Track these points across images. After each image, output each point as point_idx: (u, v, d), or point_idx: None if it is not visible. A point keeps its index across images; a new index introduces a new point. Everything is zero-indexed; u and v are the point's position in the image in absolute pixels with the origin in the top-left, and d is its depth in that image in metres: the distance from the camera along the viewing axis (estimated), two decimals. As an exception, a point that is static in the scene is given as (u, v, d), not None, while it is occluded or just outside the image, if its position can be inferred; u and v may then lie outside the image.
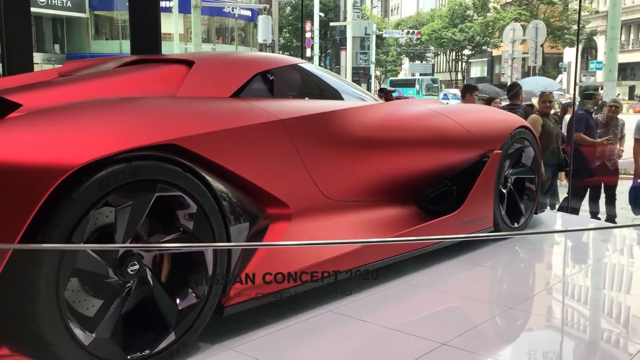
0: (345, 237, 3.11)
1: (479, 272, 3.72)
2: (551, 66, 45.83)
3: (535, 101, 7.81)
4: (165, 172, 2.26)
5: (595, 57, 40.19)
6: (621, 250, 4.58)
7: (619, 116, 7.44)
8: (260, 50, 33.57)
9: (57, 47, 33.49)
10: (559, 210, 6.73)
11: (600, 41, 39.10)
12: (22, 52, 4.57)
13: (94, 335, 2.11)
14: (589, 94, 7.39)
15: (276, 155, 2.81)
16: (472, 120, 4.18)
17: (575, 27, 38.24)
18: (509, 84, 8.94)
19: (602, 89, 13.10)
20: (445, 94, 33.97)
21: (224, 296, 2.53)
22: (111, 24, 35.38)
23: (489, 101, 7.84)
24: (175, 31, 28.90)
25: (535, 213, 4.67)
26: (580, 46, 40.76)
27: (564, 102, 10.85)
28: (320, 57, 41.72)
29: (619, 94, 23.07)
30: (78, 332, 2.08)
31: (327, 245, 2.98)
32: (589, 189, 7.05)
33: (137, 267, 2.24)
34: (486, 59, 51.17)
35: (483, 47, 47.25)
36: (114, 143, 2.13)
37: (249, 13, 38.39)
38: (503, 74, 25.37)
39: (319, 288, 2.98)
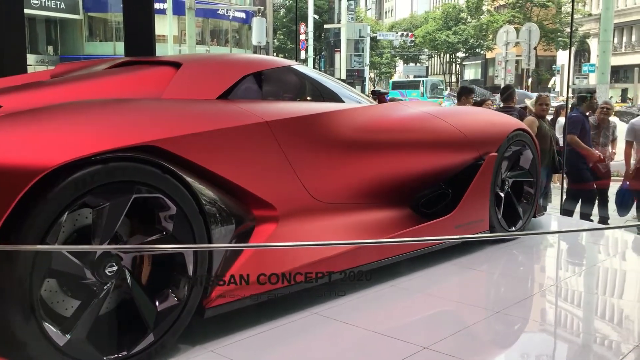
0: (335, 240, 3.10)
1: (472, 275, 3.69)
2: (544, 69, 46.01)
3: (529, 103, 7.83)
4: (143, 174, 2.25)
5: (588, 60, 40.37)
6: (614, 251, 4.58)
7: (610, 118, 7.46)
8: (255, 52, 33.56)
9: (50, 48, 33.40)
10: (562, 214, 6.70)
11: (593, 44, 39.29)
12: (16, 53, 4.56)
13: (68, 336, 2.11)
14: (581, 96, 7.41)
15: (261, 157, 2.80)
16: (467, 122, 4.14)
17: (568, 29, 38.41)
18: (502, 86, 8.97)
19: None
20: (449, 94, 33.69)
21: (205, 298, 2.52)
22: (105, 26, 35.30)
23: (480, 103, 7.87)
24: (170, 33, 28.85)
25: (534, 216, 4.61)
26: (573, 49, 40.95)
27: (556, 104, 10.88)
28: (314, 59, 41.73)
29: (611, 97, 23.18)
30: (52, 332, 2.08)
31: (312, 246, 2.97)
32: (581, 192, 7.04)
33: (115, 268, 2.23)
34: (480, 61, 51.32)
35: (477, 50, 47.39)
36: (90, 144, 2.14)
37: (243, 15, 38.40)
38: (497, 76, 25.46)
39: (305, 290, 2.96)
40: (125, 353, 2.24)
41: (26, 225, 1.99)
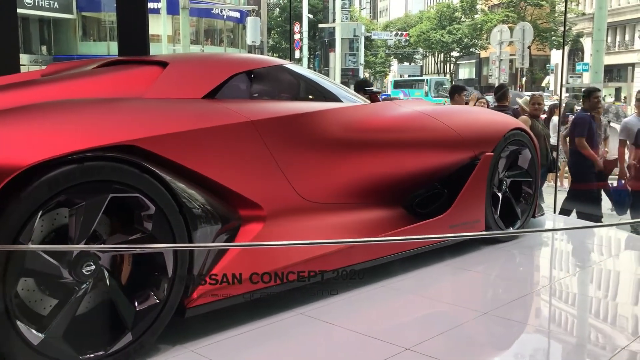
0: (324, 240, 3.07)
1: (464, 276, 3.65)
2: (538, 68, 46.12)
3: (521, 102, 7.85)
4: (120, 173, 2.25)
5: (582, 59, 40.47)
6: (609, 250, 4.58)
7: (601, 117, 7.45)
8: (249, 52, 33.51)
9: (44, 48, 33.28)
10: (560, 213, 6.70)
11: (586, 43, 39.42)
12: (9, 53, 4.55)
13: (42, 335, 2.11)
14: (588, 90, 7.19)
15: (246, 156, 2.78)
16: (461, 121, 4.10)
17: (562, 29, 38.52)
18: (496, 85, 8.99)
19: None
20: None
21: (186, 297, 2.51)
22: (99, 26, 35.20)
23: (467, 102, 7.87)
24: (164, 33, 28.77)
25: (533, 216, 4.56)
26: (567, 48, 41.07)
27: (550, 104, 10.92)
28: (309, 58, 41.70)
29: (605, 96, 23.24)
30: (26, 331, 2.07)
31: (299, 245, 2.93)
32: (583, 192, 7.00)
33: (92, 267, 2.23)
34: (474, 60, 51.40)
35: (471, 49, 47.45)
36: (65, 144, 2.14)
37: (237, 15, 38.34)
38: (491, 75, 25.51)
39: (293, 290, 2.95)
40: (102, 352, 2.24)
41: None
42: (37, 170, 2.06)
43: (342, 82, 33.58)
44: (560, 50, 38.58)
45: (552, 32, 41.60)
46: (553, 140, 8.40)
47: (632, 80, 38.94)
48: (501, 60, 22.03)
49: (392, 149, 3.58)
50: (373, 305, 3.09)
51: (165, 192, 2.37)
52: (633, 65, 39.61)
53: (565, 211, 6.77)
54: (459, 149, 3.97)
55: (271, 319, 2.82)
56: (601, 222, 6.68)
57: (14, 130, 2.16)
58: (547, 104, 11.37)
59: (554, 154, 7.73)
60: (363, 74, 45.84)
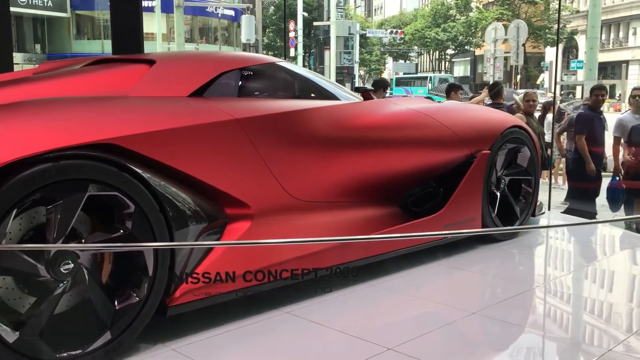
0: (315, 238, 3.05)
1: (457, 275, 3.60)
2: (533, 65, 46.21)
3: (518, 99, 7.86)
4: (98, 172, 2.25)
5: (577, 56, 40.59)
6: (604, 247, 4.57)
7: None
8: (244, 50, 33.47)
9: (38, 47, 33.12)
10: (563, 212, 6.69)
11: (581, 40, 39.51)
12: (2, 52, 4.54)
13: (17, 333, 2.11)
14: (596, 87, 7.10)
15: (231, 154, 2.77)
16: (457, 119, 4.04)
17: (556, 26, 38.63)
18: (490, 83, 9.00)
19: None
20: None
21: (167, 296, 2.50)
22: (93, 24, 35.07)
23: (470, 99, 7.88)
24: (158, 31, 28.71)
25: (533, 215, 4.50)
26: (561, 45, 41.19)
27: (544, 101, 10.93)
28: (304, 56, 41.68)
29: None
30: (2, 330, 2.08)
31: (287, 244, 2.89)
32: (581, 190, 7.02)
33: (71, 266, 2.23)
34: (469, 58, 51.47)
35: (466, 47, 47.51)
36: (41, 142, 2.14)
37: (232, 13, 38.26)
38: (485, 73, 25.52)
39: (280, 288, 2.92)
40: (80, 351, 2.24)
41: None
42: (12, 169, 2.06)
43: (337, 80, 33.58)
44: (555, 48, 38.66)
45: (547, 30, 41.70)
46: (548, 138, 8.42)
47: (626, 78, 39.07)
48: (496, 57, 22.03)
49: (383, 147, 3.54)
50: (361, 305, 3.06)
51: (145, 191, 2.36)
52: (627, 62, 39.75)
53: (570, 210, 6.77)
54: (454, 147, 3.93)
55: (256, 317, 2.79)
56: (595, 218, 6.71)
57: None
58: (541, 101, 11.38)
59: (549, 151, 7.74)
60: (358, 71, 45.83)
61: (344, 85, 4.96)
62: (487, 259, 3.93)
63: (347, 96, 3.71)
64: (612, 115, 7.49)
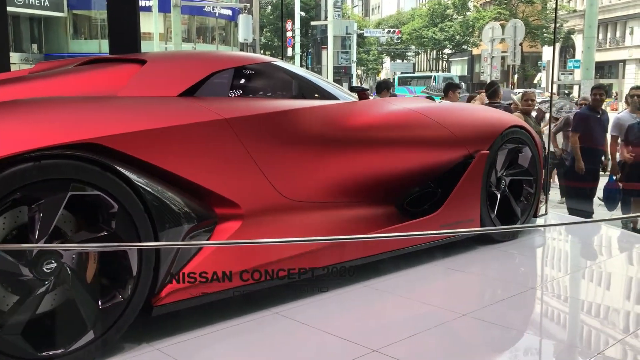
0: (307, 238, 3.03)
1: (454, 277, 3.56)
2: (530, 65, 46.25)
3: (516, 98, 7.87)
4: (80, 171, 2.24)
5: (573, 56, 40.63)
6: (601, 247, 4.56)
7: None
8: (241, 49, 33.43)
9: (35, 46, 33.05)
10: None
11: (578, 40, 39.55)
12: (-1, 52, 4.52)
13: None
14: (598, 86, 7.16)
15: (220, 154, 2.75)
16: (455, 119, 3.99)
17: (553, 26, 38.68)
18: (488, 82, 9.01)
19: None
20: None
21: (153, 296, 2.49)
22: (90, 24, 34.99)
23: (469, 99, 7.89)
24: (155, 30, 28.65)
25: (535, 216, 4.47)
26: (558, 45, 41.21)
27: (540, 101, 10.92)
28: (301, 56, 41.63)
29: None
30: None
31: (275, 244, 2.88)
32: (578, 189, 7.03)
33: (54, 265, 2.23)
34: (466, 58, 51.48)
35: (463, 46, 47.51)
36: (21, 142, 2.13)
37: (229, 12, 38.23)
38: (483, 72, 25.57)
39: (270, 289, 2.91)
40: (62, 350, 2.24)
41: None
42: None
43: (334, 80, 33.56)
44: (552, 47, 38.67)
45: (544, 29, 41.73)
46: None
47: (623, 77, 39.12)
48: (493, 57, 22.06)
49: (377, 147, 3.51)
50: (351, 306, 3.03)
51: (129, 191, 2.36)
52: (624, 62, 39.79)
53: (572, 210, 6.79)
54: (451, 147, 3.89)
55: (244, 318, 2.77)
56: (592, 217, 6.73)
57: None
58: (538, 100, 11.38)
59: (546, 150, 7.75)
60: (355, 71, 45.81)
61: (342, 85, 4.94)
62: (485, 259, 3.90)
63: (343, 95, 3.68)
64: (609, 115, 7.50)
